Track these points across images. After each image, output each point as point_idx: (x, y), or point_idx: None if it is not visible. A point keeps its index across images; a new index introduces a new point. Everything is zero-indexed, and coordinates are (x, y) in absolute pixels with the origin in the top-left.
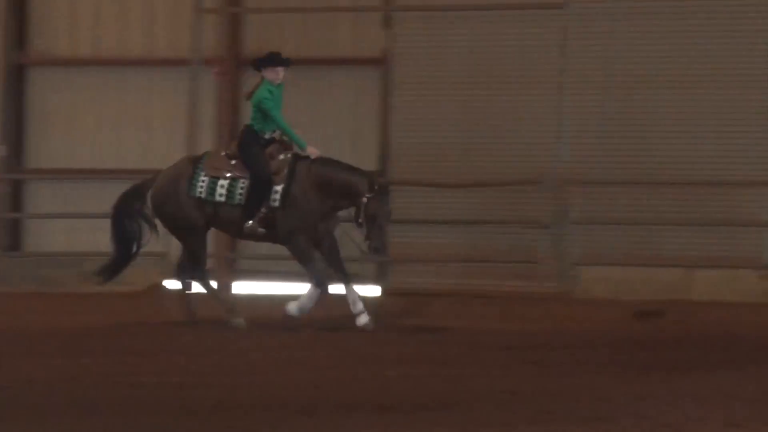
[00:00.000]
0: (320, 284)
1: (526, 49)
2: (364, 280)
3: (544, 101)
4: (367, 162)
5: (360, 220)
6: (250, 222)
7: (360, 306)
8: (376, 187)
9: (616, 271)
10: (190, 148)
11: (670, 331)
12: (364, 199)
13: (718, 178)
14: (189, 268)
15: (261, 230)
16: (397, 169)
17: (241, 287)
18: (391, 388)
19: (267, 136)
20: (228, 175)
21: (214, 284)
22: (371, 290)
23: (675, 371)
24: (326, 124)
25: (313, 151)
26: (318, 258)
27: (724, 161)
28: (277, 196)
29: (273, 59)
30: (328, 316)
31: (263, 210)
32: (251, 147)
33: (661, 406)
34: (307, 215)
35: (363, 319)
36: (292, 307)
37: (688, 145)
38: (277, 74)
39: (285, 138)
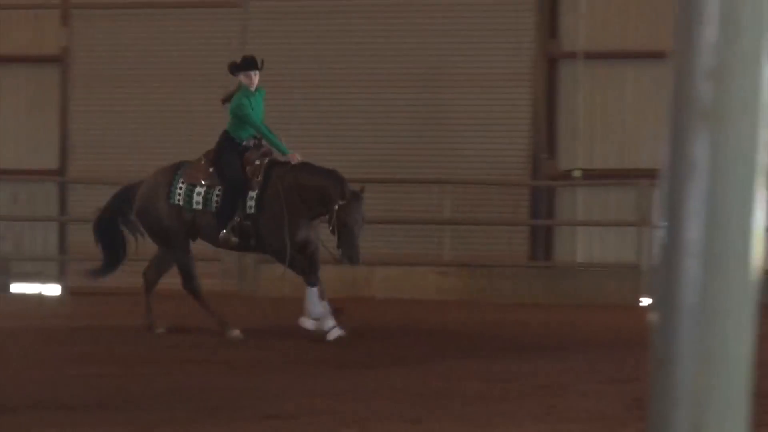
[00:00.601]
0: (314, 283)
1: (205, 47)
2: (45, 278)
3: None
4: (49, 159)
5: (332, 227)
6: (224, 231)
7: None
8: (348, 194)
9: None
10: None
11: (351, 328)
12: (336, 206)
13: (400, 176)
14: (155, 271)
15: (234, 239)
16: (77, 166)
17: None
18: (70, 387)
19: (244, 143)
20: (203, 182)
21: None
22: (52, 289)
23: (355, 368)
24: (7, 122)
25: (294, 157)
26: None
27: (402, 160)
28: (252, 203)
29: (245, 64)
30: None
31: (236, 219)
32: (226, 153)
33: (342, 403)
34: (284, 220)
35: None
36: (307, 323)
37: (372, 144)
38: (251, 79)
39: (264, 143)
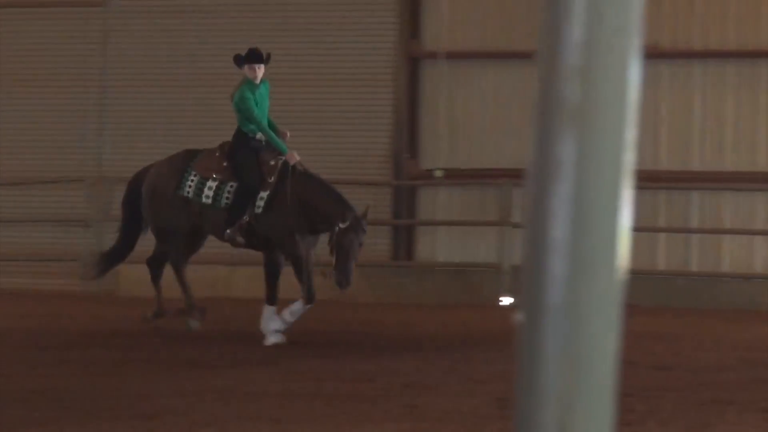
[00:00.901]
0: (311, 299)
1: (68, 46)
2: None
3: (85, 98)
4: None
5: (330, 249)
6: (229, 230)
7: (280, 325)
8: (349, 218)
9: None
10: None
11: (211, 328)
12: (336, 229)
13: None
14: (158, 261)
15: (240, 239)
16: None
17: None
18: None
19: (258, 137)
20: (215, 176)
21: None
22: None
23: (217, 368)
24: None
25: (292, 156)
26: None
27: None
28: (262, 203)
29: (250, 56)
30: None
31: (245, 218)
32: (240, 150)
33: (203, 403)
34: (289, 225)
35: (272, 339)
36: (268, 335)
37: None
38: (255, 71)
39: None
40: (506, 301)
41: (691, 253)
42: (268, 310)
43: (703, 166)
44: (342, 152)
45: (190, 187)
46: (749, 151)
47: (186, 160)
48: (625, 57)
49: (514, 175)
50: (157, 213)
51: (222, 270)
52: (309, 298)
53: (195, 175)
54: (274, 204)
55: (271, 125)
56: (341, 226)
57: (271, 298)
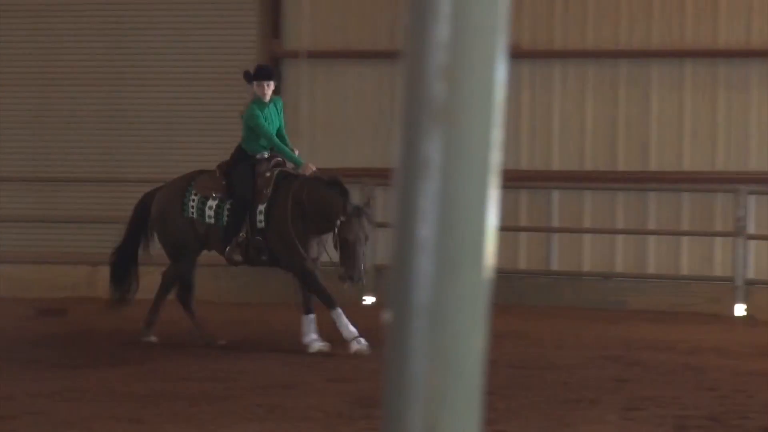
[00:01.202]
0: (333, 304)
1: None
2: None
3: None
4: None
5: (334, 244)
6: (228, 248)
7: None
8: (349, 210)
9: (17, 269)
10: None
11: (73, 328)
12: (338, 223)
13: (122, 175)
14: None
15: (237, 258)
16: None
17: None
18: None
19: (258, 156)
20: (215, 195)
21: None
22: None
23: (78, 368)
24: None
25: (308, 168)
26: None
27: (126, 159)
28: (262, 217)
29: (258, 73)
30: None
31: (242, 235)
32: (238, 166)
33: (64, 403)
34: (292, 235)
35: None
36: (351, 341)
37: (102, 142)
38: (263, 89)
39: (277, 155)
40: (369, 300)
41: (552, 252)
42: (334, 314)
43: (563, 166)
44: (203, 152)
45: (192, 208)
46: (609, 151)
47: (189, 180)
48: (491, 57)
49: (377, 174)
50: (167, 233)
51: (84, 269)
52: (331, 303)
53: (195, 194)
54: (273, 215)
55: (283, 142)
56: (342, 219)
57: (328, 301)
